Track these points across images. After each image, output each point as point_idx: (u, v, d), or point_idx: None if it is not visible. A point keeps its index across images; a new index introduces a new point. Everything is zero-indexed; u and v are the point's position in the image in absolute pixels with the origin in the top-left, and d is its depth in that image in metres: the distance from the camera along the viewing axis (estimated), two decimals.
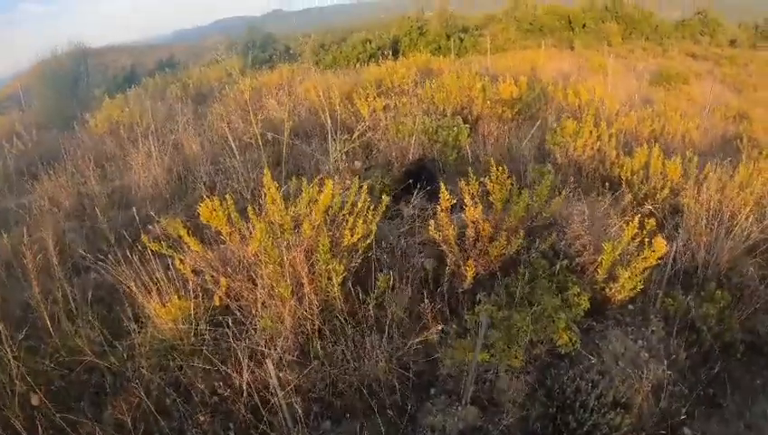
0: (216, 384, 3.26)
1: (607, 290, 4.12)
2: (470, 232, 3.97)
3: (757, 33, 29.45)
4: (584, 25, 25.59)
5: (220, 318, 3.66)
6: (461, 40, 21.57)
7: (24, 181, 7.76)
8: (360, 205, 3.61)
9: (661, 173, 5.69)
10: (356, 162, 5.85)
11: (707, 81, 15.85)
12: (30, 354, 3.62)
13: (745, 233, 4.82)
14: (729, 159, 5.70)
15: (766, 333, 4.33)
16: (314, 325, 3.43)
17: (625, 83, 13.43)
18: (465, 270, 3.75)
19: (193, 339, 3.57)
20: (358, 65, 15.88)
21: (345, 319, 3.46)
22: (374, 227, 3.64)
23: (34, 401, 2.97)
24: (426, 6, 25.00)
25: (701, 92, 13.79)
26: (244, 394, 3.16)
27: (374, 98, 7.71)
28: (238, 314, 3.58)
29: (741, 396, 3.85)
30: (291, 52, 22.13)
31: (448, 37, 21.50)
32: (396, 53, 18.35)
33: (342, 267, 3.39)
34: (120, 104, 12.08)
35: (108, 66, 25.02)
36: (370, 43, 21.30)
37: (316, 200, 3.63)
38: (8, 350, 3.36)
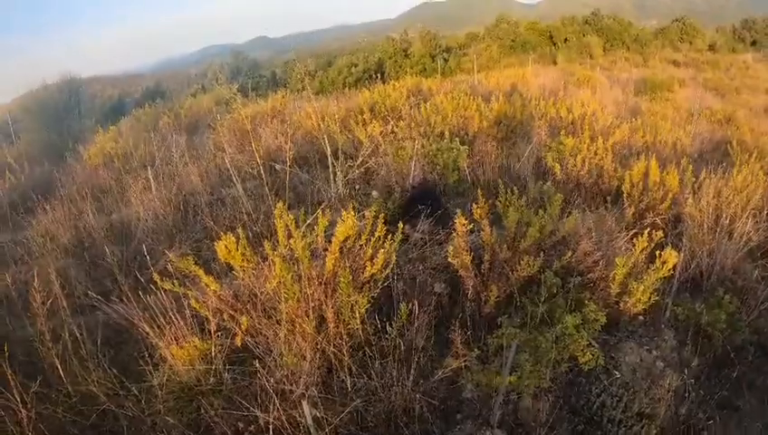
0: (240, 425, 3.19)
1: (621, 304, 4.15)
2: (487, 256, 3.97)
3: (735, 37, 30.18)
4: (566, 40, 26.09)
5: (238, 357, 3.61)
6: (446, 60, 21.85)
7: (19, 216, 7.62)
8: (377, 234, 3.60)
9: (660, 184, 5.75)
10: (373, 192, 5.84)
11: (691, 87, 16.21)
12: (40, 402, 3.49)
13: (745, 237, 4.91)
14: (722, 163, 5.81)
15: None
16: (341, 360, 3.39)
17: (611, 95, 13.68)
18: (488, 295, 3.75)
19: (212, 379, 3.49)
20: (346, 90, 15.97)
21: (370, 351, 3.42)
22: (393, 257, 3.63)
23: None
24: (408, 28, 25.34)
25: (686, 99, 14.07)
26: (271, 433, 3.10)
27: (371, 123, 7.75)
28: (257, 350, 3.52)
29: (756, 397, 3.89)
30: (277, 78, 22.22)
31: (433, 58, 21.76)
32: (382, 76, 18.51)
33: (365, 299, 3.37)
34: (114, 136, 12.03)
35: (95, 96, 24.95)
36: (356, 66, 21.48)
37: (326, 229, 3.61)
38: (17, 398, 3.25)
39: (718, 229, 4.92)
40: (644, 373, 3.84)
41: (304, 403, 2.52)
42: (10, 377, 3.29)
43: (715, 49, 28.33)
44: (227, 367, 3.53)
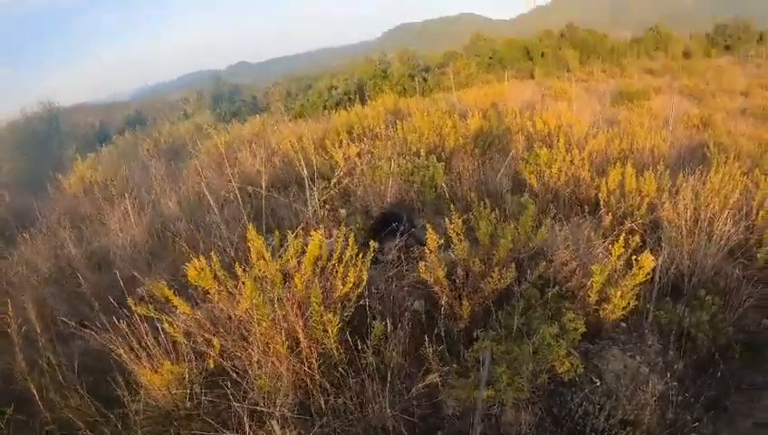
0: None
1: (600, 312, 4.14)
2: (460, 271, 3.97)
3: (709, 42, 30.88)
4: (542, 54, 26.54)
5: (215, 380, 3.55)
6: (425, 79, 22.06)
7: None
8: (348, 253, 3.58)
9: (636, 190, 5.79)
10: (341, 210, 5.86)
11: (667, 94, 16.46)
12: (19, 431, 3.47)
13: (725, 236, 4.92)
14: (700, 166, 5.83)
15: (759, 329, 4.43)
16: (314, 379, 3.35)
17: (588, 106, 13.83)
18: (461, 310, 3.73)
19: (188, 404, 3.44)
20: (326, 112, 16.04)
21: (345, 370, 3.39)
22: (365, 275, 3.61)
23: None
24: (388, 49, 25.64)
25: (662, 106, 14.25)
26: None
27: (347, 144, 7.79)
28: (234, 374, 3.48)
29: (744, 395, 3.87)
30: (258, 103, 22.32)
31: (412, 78, 21.98)
32: (362, 97, 18.62)
33: (337, 318, 3.34)
34: (93, 164, 11.99)
35: (77, 124, 24.82)
36: (336, 89, 21.63)
37: (303, 251, 3.60)
38: None
39: (697, 231, 4.94)
40: (628, 380, 3.82)
41: (274, 422, 2.48)
42: None
43: (690, 55, 28.98)
44: (204, 391, 3.47)
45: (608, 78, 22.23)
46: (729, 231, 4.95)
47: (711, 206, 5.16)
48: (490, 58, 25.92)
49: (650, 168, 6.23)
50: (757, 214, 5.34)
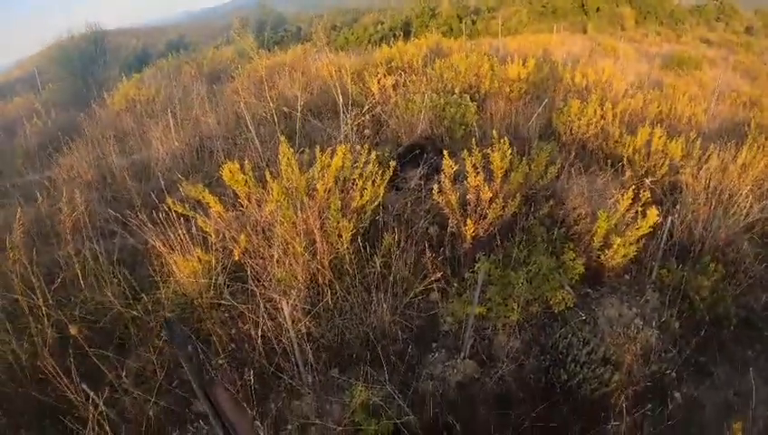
0: (233, 332, 3.54)
1: (602, 257, 4.31)
2: (471, 197, 4.18)
3: None
4: (598, 9, 25.37)
5: (237, 275, 3.92)
6: (473, 22, 21.50)
7: (46, 157, 8.04)
8: (368, 169, 3.84)
9: (662, 151, 5.82)
10: (365, 130, 6.05)
11: (721, 67, 15.75)
12: (60, 306, 3.89)
13: (744, 211, 4.94)
14: (734, 141, 5.76)
15: (760, 308, 4.50)
16: (325, 279, 3.69)
17: (636, 67, 13.43)
18: (465, 231, 3.98)
19: (212, 292, 3.83)
20: (369, 46, 15.88)
21: (354, 274, 3.71)
22: (381, 191, 3.87)
23: (73, 330, 3.20)
24: None
25: (713, 78, 13.70)
26: (260, 341, 3.43)
27: (384, 76, 7.88)
28: (254, 270, 3.83)
29: (732, 366, 4.02)
30: (302, 32, 22.17)
31: (460, 19, 21.44)
32: (408, 35, 18.30)
33: (352, 225, 3.64)
34: (137, 83, 12.30)
35: (120, 48, 25.11)
36: (382, 24, 21.32)
37: (329, 166, 3.87)
38: (41, 300, 3.64)
39: (715, 201, 4.97)
40: (621, 327, 4.00)
41: (283, 303, 2.80)
42: (34, 279, 3.66)
43: (752, 32, 27.29)
44: (227, 283, 3.85)
45: (662, 42, 21.27)
46: (749, 207, 4.97)
47: (736, 180, 5.16)
48: (543, 7, 24.93)
49: (684, 134, 6.19)
50: None
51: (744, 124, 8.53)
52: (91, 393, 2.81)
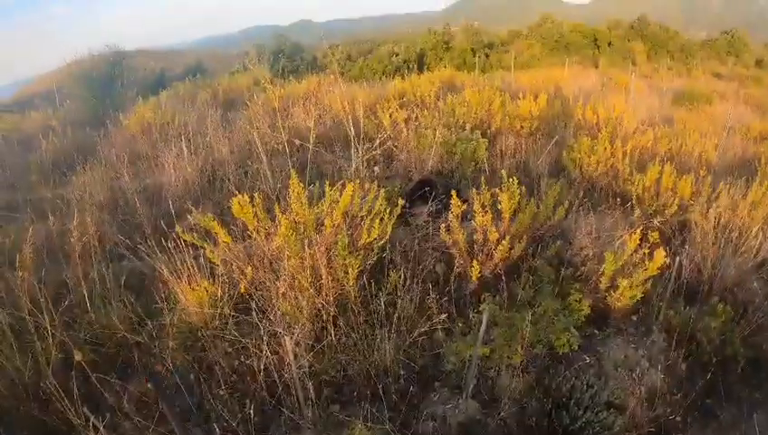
0: (236, 362, 3.55)
1: (608, 298, 4.28)
2: (479, 237, 4.20)
3: None
4: (610, 44, 25.62)
5: (242, 307, 3.95)
6: (486, 56, 21.76)
7: (60, 174, 8.16)
8: (377, 207, 3.88)
9: (672, 190, 5.80)
10: (375, 167, 6.12)
11: (732, 101, 15.76)
12: (66, 327, 3.94)
13: (755, 249, 4.89)
14: (744, 177, 5.73)
15: None
16: (330, 314, 3.70)
17: (647, 102, 13.47)
18: (471, 271, 3.98)
19: (217, 322, 3.86)
20: (384, 78, 16.08)
21: (358, 311, 3.72)
22: (389, 229, 3.91)
23: (78, 356, 3.21)
24: (452, 21, 25.27)
25: (724, 113, 13.70)
26: (262, 373, 3.44)
27: (396, 110, 7.97)
28: (260, 302, 3.87)
29: (738, 408, 3.94)
30: (318, 62, 22.50)
31: (474, 53, 21.70)
32: (421, 67, 18.55)
33: (358, 262, 3.67)
34: (153, 106, 12.51)
35: (138, 69, 25.63)
36: (397, 56, 21.59)
37: (337, 201, 3.92)
38: (47, 320, 3.69)
39: (724, 239, 4.91)
40: (626, 369, 3.97)
41: (287, 338, 2.82)
42: (41, 298, 3.72)
43: (763, 65, 27.35)
44: (232, 314, 3.88)
45: (673, 76, 21.34)
46: (759, 245, 4.91)
47: (744, 217, 5.11)
48: (556, 42, 25.20)
49: (693, 172, 6.16)
50: None
51: (754, 160, 8.50)
52: (92, 417, 2.81)
